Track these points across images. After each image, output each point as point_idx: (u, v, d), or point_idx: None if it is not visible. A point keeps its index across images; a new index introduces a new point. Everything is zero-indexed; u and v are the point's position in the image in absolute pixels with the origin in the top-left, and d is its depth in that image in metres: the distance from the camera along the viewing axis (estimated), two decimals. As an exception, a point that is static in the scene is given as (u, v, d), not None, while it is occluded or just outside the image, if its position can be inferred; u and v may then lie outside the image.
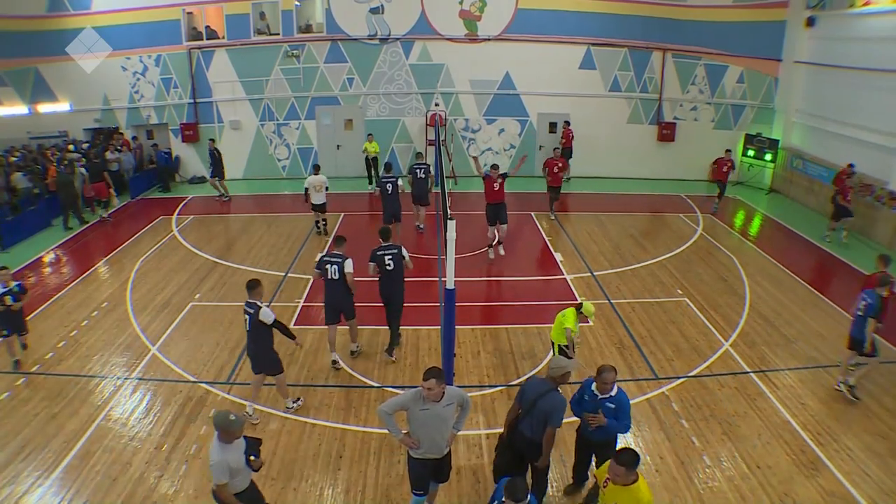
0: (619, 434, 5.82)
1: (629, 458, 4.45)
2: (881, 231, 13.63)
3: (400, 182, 12.60)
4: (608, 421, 5.57)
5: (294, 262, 12.41)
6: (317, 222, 14.12)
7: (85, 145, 17.63)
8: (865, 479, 6.53)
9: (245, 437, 4.98)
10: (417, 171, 13.47)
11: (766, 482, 6.49)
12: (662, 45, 17.90)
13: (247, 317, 7.18)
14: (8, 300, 8.37)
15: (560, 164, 14.55)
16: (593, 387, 5.64)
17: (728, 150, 15.83)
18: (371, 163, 17.59)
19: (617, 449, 4.67)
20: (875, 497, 6.28)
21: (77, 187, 15.44)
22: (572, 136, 18.08)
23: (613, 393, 5.59)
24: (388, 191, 12.39)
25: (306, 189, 13.48)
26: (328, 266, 8.22)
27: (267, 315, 7.09)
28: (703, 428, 7.37)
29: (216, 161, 16.49)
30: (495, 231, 12.23)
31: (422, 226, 14.24)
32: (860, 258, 12.75)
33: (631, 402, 7.72)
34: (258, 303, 7.14)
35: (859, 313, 7.74)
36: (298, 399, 7.83)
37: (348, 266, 8.17)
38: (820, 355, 9.05)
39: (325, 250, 11.09)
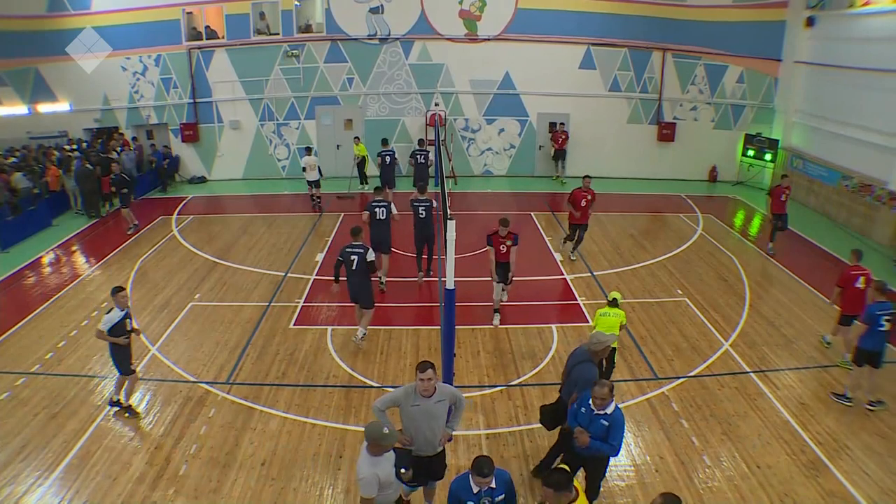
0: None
1: (556, 480, 4.14)
2: (881, 231, 13.63)
3: (394, 210, 11.10)
4: (592, 443, 5.23)
5: (294, 262, 12.41)
6: (312, 196, 15.69)
7: (83, 144, 17.66)
8: (865, 479, 6.53)
9: (394, 449, 4.88)
10: (418, 156, 14.01)
11: (766, 482, 6.49)
12: (662, 45, 17.89)
13: (355, 257, 8.57)
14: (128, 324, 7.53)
15: (589, 197, 11.88)
16: (591, 400, 5.31)
17: (785, 176, 13.11)
18: (359, 165, 17.40)
19: (555, 468, 4.47)
20: (875, 497, 6.28)
21: (72, 187, 15.54)
22: (565, 139, 18.03)
23: (609, 410, 5.23)
24: (386, 162, 14.33)
25: (304, 168, 15.35)
26: (352, 256, 8.77)
27: (372, 255, 8.60)
28: (703, 428, 7.37)
29: (122, 186, 13.97)
30: (499, 289, 9.92)
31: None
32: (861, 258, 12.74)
33: (631, 402, 7.86)
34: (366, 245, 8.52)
35: (883, 329, 7.32)
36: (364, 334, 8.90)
37: (370, 255, 8.84)
38: (820, 355, 9.05)
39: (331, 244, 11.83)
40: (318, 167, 15.49)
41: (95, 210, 15.48)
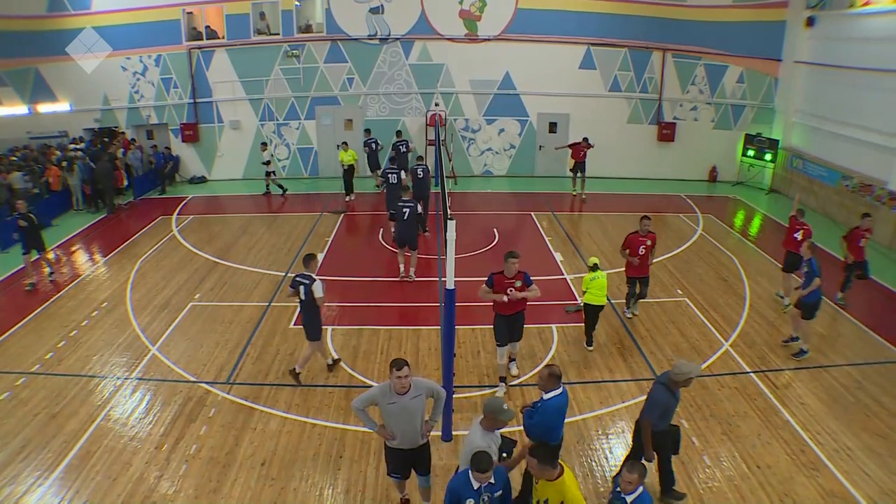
0: None
1: (541, 453, 4.39)
2: (881, 231, 13.62)
3: (403, 175, 13.48)
4: None
5: (294, 262, 12.41)
6: (278, 187, 16.95)
7: (83, 142, 17.68)
8: (865, 479, 6.53)
9: (502, 435, 5.06)
10: (417, 169, 13.85)
11: (766, 482, 6.49)
12: (662, 45, 17.90)
13: (301, 287, 7.91)
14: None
15: (649, 242, 9.56)
16: (619, 480, 4.81)
17: (867, 215, 10.57)
18: (347, 174, 16.32)
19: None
20: (875, 497, 6.28)
21: (74, 185, 15.59)
22: (584, 154, 16.31)
23: (637, 493, 4.65)
24: (372, 148, 15.40)
25: (268, 161, 16.66)
26: (372, 143, 9.70)
27: (318, 289, 7.86)
28: (703, 428, 7.37)
29: (28, 233, 11.32)
30: (506, 353, 8.03)
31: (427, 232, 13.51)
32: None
33: (631, 402, 7.86)
34: (313, 276, 7.98)
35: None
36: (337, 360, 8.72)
37: (317, 289, 7.85)
38: (820, 355, 9.04)
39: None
40: (271, 158, 16.78)
41: (111, 205, 15.88)
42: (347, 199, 16.40)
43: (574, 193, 17.08)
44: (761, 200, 17.18)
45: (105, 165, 15.57)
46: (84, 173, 15.73)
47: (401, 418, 5.26)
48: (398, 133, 17.14)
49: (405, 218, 10.92)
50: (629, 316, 10.18)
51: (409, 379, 5.13)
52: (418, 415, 5.33)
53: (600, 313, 9.08)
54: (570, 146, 16.68)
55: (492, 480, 4.45)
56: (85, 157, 16.35)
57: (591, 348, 9.17)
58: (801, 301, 8.73)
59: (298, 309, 8.52)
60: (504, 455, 5.10)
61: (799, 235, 10.44)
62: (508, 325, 7.72)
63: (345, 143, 16.58)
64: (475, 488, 4.45)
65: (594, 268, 8.94)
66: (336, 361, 8.68)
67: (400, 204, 11.02)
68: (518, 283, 7.58)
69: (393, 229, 11.63)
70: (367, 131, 17.39)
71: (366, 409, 5.33)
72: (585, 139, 16.31)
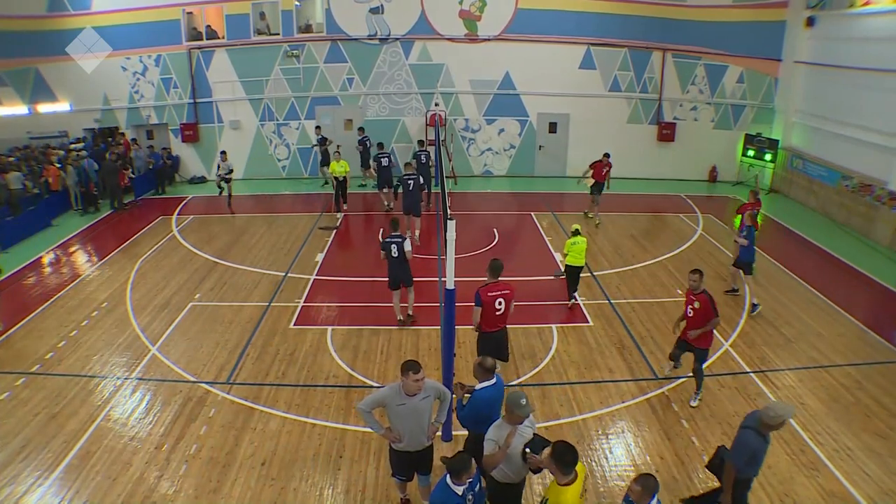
0: None
1: (559, 454, 4.21)
2: (881, 231, 13.63)
3: (422, 180, 13.34)
4: None
5: (294, 261, 12.41)
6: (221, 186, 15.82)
7: (82, 143, 17.69)
8: (865, 479, 6.53)
9: (537, 436, 5.05)
10: (421, 155, 14.62)
11: (766, 482, 6.49)
12: (662, 45, 17.90)
13: (394, 246, 9.30)
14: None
15: (698, 305, 7.50)
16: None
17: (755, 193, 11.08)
18: (340, 186, 15.12)
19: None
20: (875, 497, 6.28)
21: (71, 185, 15.62)
22: (609, 170, 14.68)
23: None
24: (382, 164, 13.78)
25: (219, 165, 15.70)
26: (392, 245, 9.40)
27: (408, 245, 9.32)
28: (703, 428, 7.36)
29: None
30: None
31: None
32: (861, 258, 12.76)
33: (631, 402, 7.86)
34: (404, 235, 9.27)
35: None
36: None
37: (407, 245, 9.41)
38: (820, 355, 9.04)
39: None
40: (230, 169, 15.71)
41: (119, 201, 16.05)
42: (340, 214, 15.40)
43: (588, 217, 15.10)
44: (761, 200, 17.12)
45: (110, 164, 15.66)
46: (84, 173, 15.74)
47: (409, 419, 5.23)
48: (380, 145, 16.23)
49: (410, 188, 12.26)
50: (668, 373, 8.31)
51: (423, 382, 5.12)
52: (426, 416, 5.31)
53: (580, 274, 10.37)
54: (591, 167, 14.72)
55: (471, 479, 4.45)
56: (85, 156, 16.34)
57: (570, 303, 10.48)
58: (738, 259, 10.56)
59: (388, 265, 9.59)
60: (528, 450, 5.03)
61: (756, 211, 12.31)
62: (496, 343, 7.43)
63: (337, 152, 15.65)
64: (460, 494, 4.39)
65: (575, 233, 10.06)
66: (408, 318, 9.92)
67: (404, 176, 12.37)
68: (506, 292, 7.34)
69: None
70: (421, 142, 16.44)
71: (372, 412, 5.29)
72: (607, 155, 14.76)
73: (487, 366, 5.44)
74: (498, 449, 4.76)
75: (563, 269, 10.38)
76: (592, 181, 14.75)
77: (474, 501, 4.53)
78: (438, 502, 4.45)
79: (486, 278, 7.40)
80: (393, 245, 9.38)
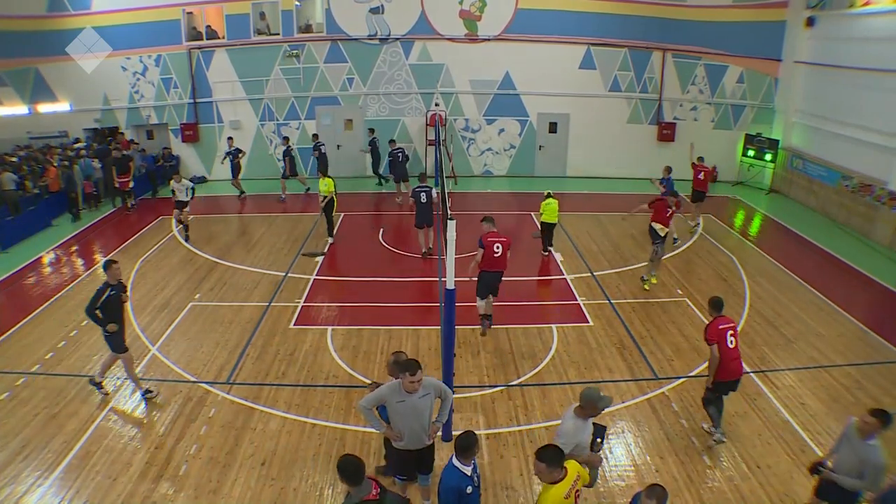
0: None
1: (548, 455, 4.17)
2: (881, 231, 13.63)
3: (435, 192, 12.13)
4: None
5: (294, 261, 12.41)
6: (179, 221, 13.88)
7: (82, 144, 17.69)
8: (865, 479, 6.53)
9: (594, 423, 5.12)
10: (421, 194, 12.28)
11: (766, 482, 6.49)
12: (662, 45, 17.90)
13: (423, 194, 11.83)
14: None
15: (733, 342, 6.87)
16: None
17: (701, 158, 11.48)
18: (326, 208, 13.32)
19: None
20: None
21: (77, 182, 15.63)
22: (673, 213, 10.81)
23: None
24: (422, 200, 12.11)
25: (173, 191, 13.66)
26: (421, 193, 11.85)
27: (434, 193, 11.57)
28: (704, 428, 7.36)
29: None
30: (484, 303, 9.30)
31: (430, 248, 12.79)
32: (861, 258, 12.77)
33: (631, 402, 7.87)
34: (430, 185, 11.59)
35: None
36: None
37: (433, 193, 11.65)
38: (820, 355, 9.05)
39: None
40: (187, 188, 13.51)
41: (125, 199, 16.20)
42: (328, 239, 13.55)
43: (645, 280, 11.33)
44: (761, 200, 17.18)
45: (116, 159, 15.74)
46: (85, 172, 15.74)
47: (409, 417, 5.22)
48: (392, 141, 16.76)
49: (423, 201, 12.21)
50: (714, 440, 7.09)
51: (421, 382, 5.12)
52: (426, 413, 5.31)
53: (553, 229, 12.53)
54: (651, 205, 10.96)
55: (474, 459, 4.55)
56: (84, 155, 16.35)
57: (546, 254, 12.65)
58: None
59: (417, 209, 12.10)
60: (599, 440, 5.13)
61: (702, 175, 14.28)
62: (493, 279, 9.07)
63: (320, 170, 13.97)
64: (468, 475, 4.50)
65: (548, 195, 12.34)
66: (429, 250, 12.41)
67: (417, 189, 12.36)
68: (503, 238, 9.00)
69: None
70: (422, 175, 13.23)
71: (373, 409, 5.28)
72: (666, 183, 13.39)
73: (399, 361, 5.35)
74: (575, 447, 4.82)
75: (539, 230, 12.76)
76: (651, 224, 10.99)
77: (478, 480, 4.63)
78: (451, 485, 4.47)
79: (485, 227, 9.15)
80: (422, 193, 12.05)
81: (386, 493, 4.28)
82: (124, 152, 16.35)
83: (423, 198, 12.11)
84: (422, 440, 5.39)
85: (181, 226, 13.88)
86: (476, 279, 9.10)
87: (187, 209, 13.65)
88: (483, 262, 8.90)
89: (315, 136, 17.25)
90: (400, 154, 15.71)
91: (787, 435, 7.25)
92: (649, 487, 4.31)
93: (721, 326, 6.81)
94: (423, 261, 12.46)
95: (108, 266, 7.60)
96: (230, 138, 17.40)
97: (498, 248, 8.87)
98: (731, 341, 6.80)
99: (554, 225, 12.39)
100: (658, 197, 11.12)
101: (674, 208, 10.68)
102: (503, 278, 9.18)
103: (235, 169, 16.99)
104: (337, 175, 18.26)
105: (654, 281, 11.22)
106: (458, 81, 18.35)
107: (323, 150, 16.78)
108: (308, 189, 17.49)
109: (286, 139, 17.22)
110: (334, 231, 13.73)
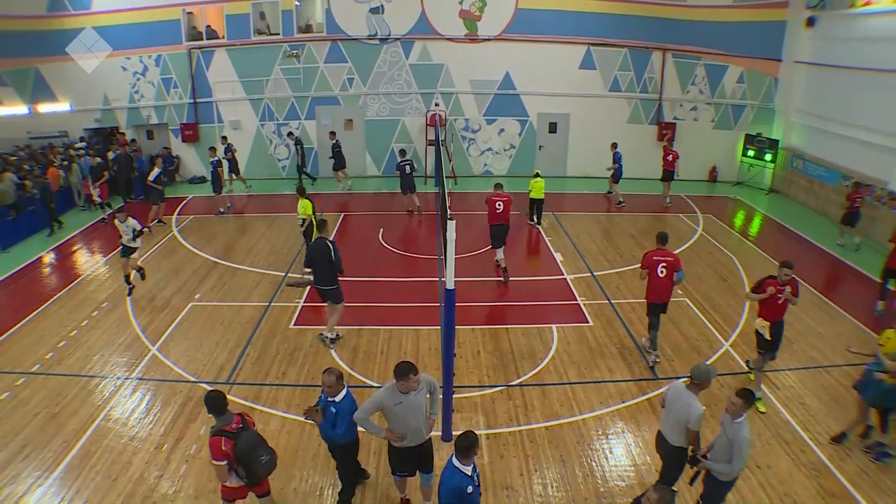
0: None
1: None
2: (881, 231, 13.61)
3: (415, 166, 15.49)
4: None
5: (294, 261, 12.41)
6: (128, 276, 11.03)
7: (83, 143, 17.69)
8: (865, 479, 6.53)
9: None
10: (406, 167, 15.17)
11: (766, 482, 6.49)
12: (662, 45, 17.89)
13: (407, 166, 14.83)
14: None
15: (789, 291, 7.38)
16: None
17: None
18: (306, 232, 11.89)
19: None
20: (875, 497, 6.28)
21: (74, 183, 15.62)
22: (677, 158, 16.21)
23: None
24: (406, 171, 15.19)
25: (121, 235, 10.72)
26: (406, 166, 14.78)
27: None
28: (703, 428, 7.28)
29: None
30: (499, 253, 11.70)
31: (419, 207, 15.62)
32: (860, 258, 12.76)
33: (631, 402, 7.86)
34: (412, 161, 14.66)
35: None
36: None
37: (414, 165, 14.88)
38: (820, 355, 9.05)
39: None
40: (135, 230, 10.61)
41: (131, 194, 16.44)
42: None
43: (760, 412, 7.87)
44: (761, 200, 17.18)
45: (122, 157, 15.94)
46: (86, 171, 15.74)
47: (409, 416, 5.32)
48: (402, 152, 16.08)
49: (407, 171, 15.02)
50: (651, 361, 8.41)
51: (418, 383, 5.24)
52: (423, 408, 5.42)
53: (542, 205, 14.34)
54: (771, 295, 7.72)
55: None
56: (83, 154, 16.35)
57: (531, 222, 14.54)
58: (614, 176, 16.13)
59: (401, 178, 15.08)
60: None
61: (670, 157, 16.12)
62: (499, 231, 11.51)
63: (301, 188, 12.24)
64: (469, 474, 4.55)
65: (536, 175, 14.25)
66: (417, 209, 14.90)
67: (401, 162, 15.14)
68: (505, 198, 11.60)
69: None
70: (403, 151, 15.99)
71: (370, 418, 5.34)
72: (616, 157, 16.49)
73: (399, 367, 5.21)
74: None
75: (527, 208, 14.62)
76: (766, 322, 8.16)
77: (478, 480, 4.70)
78: (452, 485, 4.51)
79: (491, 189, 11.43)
80: (406, 165, 14.98)
81: (245, 429, 5.08)
82: (98, 160, 15.97)
83: (408, 169, 15.14)
84: (421, 435, 5.48)
85: (136, 272, 10.99)
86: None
87: (135, 255, 10.79)
88: (489, 218, 11.44)
89: (332, 133, 17.30)
90: (408, 166, 15.23)
91: (787, 435, 7.25)
92: (657, 487, 4.41)
93: (655, 258, 8.36)
94: (423, 260, 12.46)
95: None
96: (224, 137, 17.47)
97: (499, 205, 11.31)
98: (662, 271, 8.29)
99: (542, 201, 14.25)
100: (767, 279, 7.68)
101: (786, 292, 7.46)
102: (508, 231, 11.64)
103: (234, 165, 17.16)
104: (335, 175, 18.39)
105: (762, 409, 7.73)
106: (458, 81, 18.35)
107: (339, 148, 17.06)
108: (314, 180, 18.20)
109: (290, 133, 17.84)
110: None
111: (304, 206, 11.75)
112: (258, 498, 5.49)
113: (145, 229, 12.18)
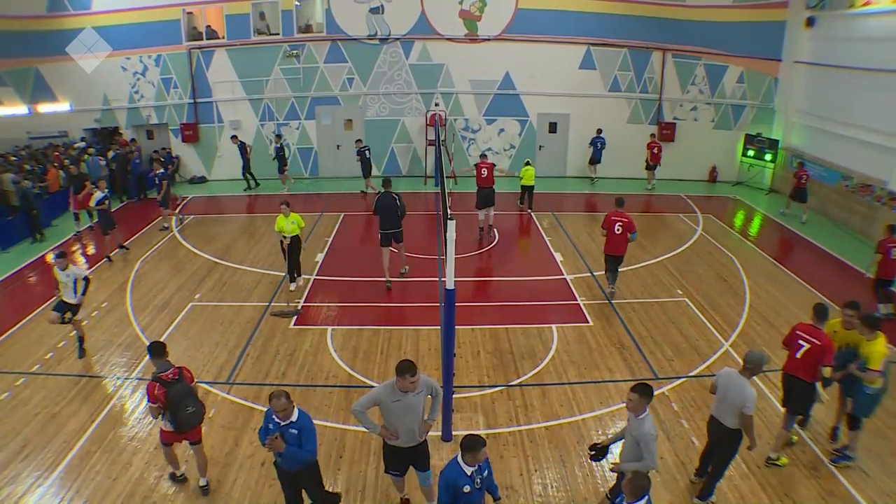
0: None
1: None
2: (881, 231, 13.60)
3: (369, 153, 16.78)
4: None
5: (279, 288, 12.31)
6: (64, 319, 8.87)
7: (83, 143, 17.70)
8: (865, 479, 6.53)
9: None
10: (365, 152, 16.63)
11: (766, 482, 6.49)
12: (662, 45, 17.90)
13: (367, 151, 16.50)
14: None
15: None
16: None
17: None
18: (288, 249, 10.81)
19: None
20: (875, 497, 6.28)
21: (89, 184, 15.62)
22: (661, 151, 17.77)
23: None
24: (366, 156, 16.48)
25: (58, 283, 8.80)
26: (365, 151, 16.51)
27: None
28: (703, 428, 7.30)
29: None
30: (483, 214, 13.58)
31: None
32: (860, 258, 12.75)
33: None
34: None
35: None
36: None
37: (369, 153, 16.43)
38: (820, 355, 9.02)
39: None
40: (76, 280, 8.69)
41: (135, 193, 16.72)
42: (293, 287, 11.05)
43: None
44: (761, 200, 17.18)
45: (120, 157, 16.03)
46: (96, 173, 15.72)
47: (404, 415, 5.32)
48: (358, 141, 17.12)
49: (367, 156, 16.63)
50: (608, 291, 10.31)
51: (418, 382, 5.23)
52: (420, 410, 5.41)
53: (532, 191, 15.45)
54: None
55: (480, 463, 4.62)
56: (92, 153, 16.39)
57: (521, 205, 15.77)
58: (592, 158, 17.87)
59: (362, 164, 16.57)
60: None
61: (656, 150, 17.49)
62: (484, 194, 13.27)
63: (285, 202, 10.82)
64: (468, 474, 4.58)
65: (527, 163, 15.34)
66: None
67: (361, 148, 16.58)
68: (489, 163, 13.58)
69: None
70: (359, 140, 17.18)
71: (366, 412, 5.36)
72: (599, 142, 18.43)
73: (401, 364, 5.15)
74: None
75: (520, 195, 15.73)
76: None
77: (482, 485, 4.71)
78: (448, 478, 4.60)
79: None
80: (365, 151, 16.41)
81: (181, 381, 5.91)
82: (81, 171, 15.09)
83: (367, 154, 16.58)
84: (415, 437, 5.48)
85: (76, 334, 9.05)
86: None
87: (79, 316, 8.83)
88: (476, 181, 13.34)
89: (359, 140, 17.09)
90: (367, 151, 16.71)
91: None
92: (634, 475, 4.44)
93: (613, 217, 10.25)
94: (422, 260, 12.45)
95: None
96: (234, 136, 17.65)
97: (484, 171, 13.25)
98: (618, 229, 10.17)
99: (532, 187, 15.36)
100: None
101: None
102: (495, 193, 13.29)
103: (246, 163, 17.72)
104: (337, 174, 18.42)
105: (783, 461, 6.76)
106: (458, 81, 18.35)
107: (367, 155, 16.73)
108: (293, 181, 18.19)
109: (279, 136, 17.79)
110: (300, 274, 11.25)
111: (297, 221, 10.73)
112: (191, 445, 6.20)
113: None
